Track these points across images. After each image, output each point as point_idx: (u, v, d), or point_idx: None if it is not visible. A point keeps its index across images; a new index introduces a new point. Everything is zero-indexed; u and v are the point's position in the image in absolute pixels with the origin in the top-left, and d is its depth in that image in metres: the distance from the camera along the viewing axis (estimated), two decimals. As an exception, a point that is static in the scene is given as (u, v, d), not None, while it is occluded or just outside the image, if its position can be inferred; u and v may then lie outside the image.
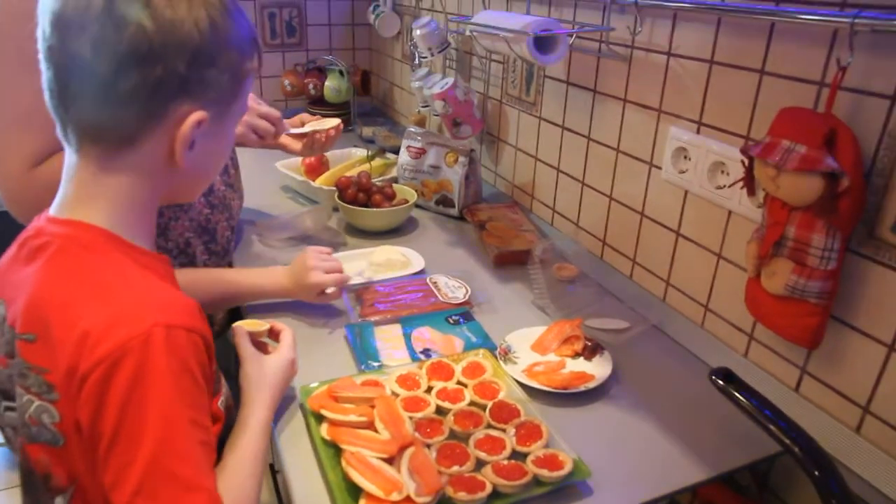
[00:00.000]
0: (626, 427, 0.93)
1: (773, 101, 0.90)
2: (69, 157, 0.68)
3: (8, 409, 0.69)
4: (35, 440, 0.66)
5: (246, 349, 0.91)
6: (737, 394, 0.75)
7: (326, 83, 2.36)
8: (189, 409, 0.61)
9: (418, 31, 1.71)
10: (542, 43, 1.17)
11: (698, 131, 1.06)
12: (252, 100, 1.29)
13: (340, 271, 1.17)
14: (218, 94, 0.68)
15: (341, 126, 1.46)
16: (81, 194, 0.67)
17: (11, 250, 0.71)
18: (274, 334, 0.98)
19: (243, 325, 0.95)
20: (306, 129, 1.42)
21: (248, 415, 0.81)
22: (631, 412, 0.96)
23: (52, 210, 0.69)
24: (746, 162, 0.88)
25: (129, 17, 0.60)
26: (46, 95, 0.65)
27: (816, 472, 0.69)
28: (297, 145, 1.43)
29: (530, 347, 1.08)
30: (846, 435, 0.87)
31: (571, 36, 1.21)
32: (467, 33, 1.39)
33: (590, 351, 1.06)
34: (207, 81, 0.66)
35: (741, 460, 0.88)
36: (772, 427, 0.72)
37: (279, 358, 0.92)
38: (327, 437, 0.84)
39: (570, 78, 1.38)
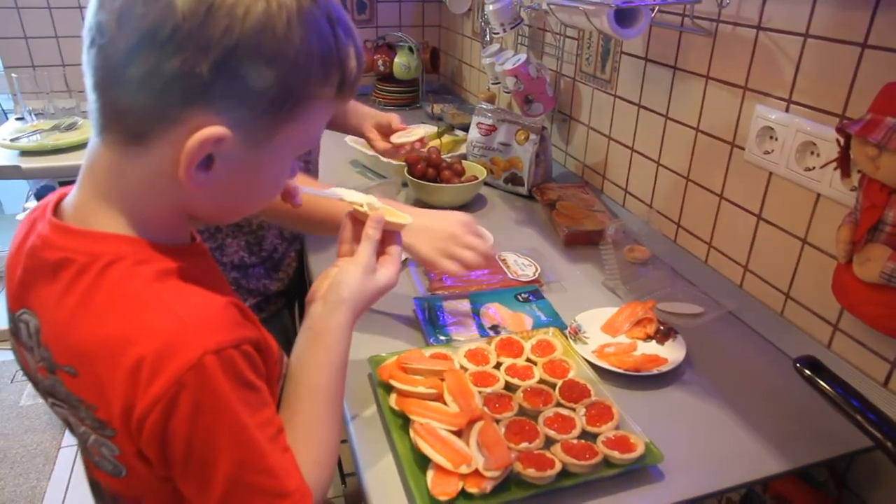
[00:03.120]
0: (698, 413, 0.90)
1: (874, 77, 0.85)
2: (92, 140, 0.60)
3: (55, 405, 0.67)
4: (98, 467, 0.65)
5: (368, 254, 0.77)
6: (824, 384, 0.72)
7: (396, 60, 2.36)
8: (255, 417, 0.59)
9: (491, 7, 1.68)
10: (623, 16, 1.13)
11: (787, 109, 1.01)
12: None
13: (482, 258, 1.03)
14: (252, 113, 0.56)
15: (426, 140, 1.42)
16: (98, 192, 0.60)
17: (21, 258, 0.63)
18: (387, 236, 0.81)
19: (384, 213, 0.80)
20: (396, 140, 1.40)
21: (328, 352, 0.73)
22: (704, 399, 0.93)
23: (69, 209, 0.62)
24: (842, 141, 0.84)
25: None
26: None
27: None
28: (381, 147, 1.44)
29: (601, 328, 1.06)
30: (940, 434, 0.82)
31: (654, 9, 1.17)
32: (543, 7, 1.36)
33: (662, 334, 1.03)
34: (237, 94, 0.54)
35: (819, 455, 0.84)
36: (862, 420, 0.68)
37: (387, 276, 0.78)
38: (396, 408, 0.84)
39: (648, 54, 1.34)
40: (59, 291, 0.59)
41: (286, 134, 0.59)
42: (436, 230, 1.02)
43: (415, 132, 1.40)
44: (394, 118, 1.43)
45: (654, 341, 1.03)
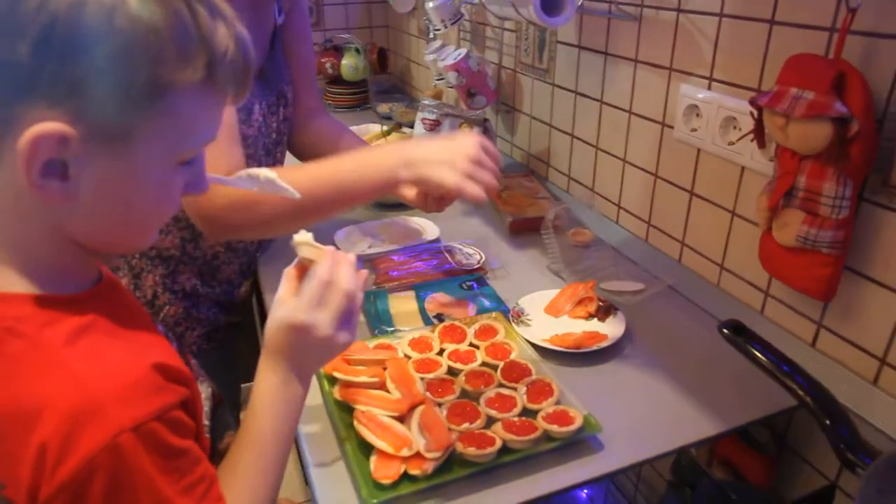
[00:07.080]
0: (638, 385, 0.93)
1: (783, 52, 0.88)
2: None
3: None
4: None
5: (279, 289, 0.70)
6: (746, 344, 0.75)
7: (343, 61, 2.36)
8: (181, 483, 0.54)
9: (431, 4, 1.70)
10: (550, 5, 1.15)
11: (709, 87, 1.04)
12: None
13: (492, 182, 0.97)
14: (93, 102, 0.48)
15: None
16: None
17: None
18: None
19: (302, 242, 0.71)
20: None
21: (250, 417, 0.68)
22: (644, 370, 0.96)
23: None
24: (755, 114, 0.87)
25: None
26: None
27: (827, 421, 0.68)
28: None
29: (543, 310, 1.08)
30: (864, 387, 0.86)
31: (579, -4, 1.19)
32: (477, 1, 1.38)
33: (603, 312, 1.05)
34: (68, 80, 0.47)
35: (754, 414, 0.88)
36: (782, 376, 0.71)
37: (344, 338, 0.71)
38: (339, 398, 0.85)
39: (581, 42, 1.37)
40: None
41: (152, 128, 0.52)
42: (458, 156, 0.98)
43: None
44: None
45: (595, 319, 1.05)
